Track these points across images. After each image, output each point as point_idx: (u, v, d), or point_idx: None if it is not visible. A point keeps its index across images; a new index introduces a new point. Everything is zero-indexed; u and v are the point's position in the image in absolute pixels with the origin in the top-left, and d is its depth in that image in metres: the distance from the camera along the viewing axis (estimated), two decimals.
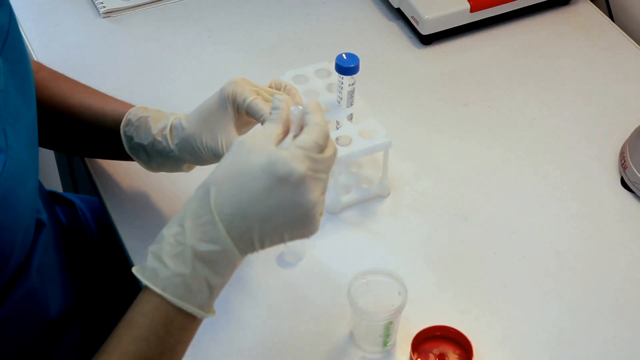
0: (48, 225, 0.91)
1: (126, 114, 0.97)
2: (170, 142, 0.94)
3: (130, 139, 0.97)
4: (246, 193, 0.76)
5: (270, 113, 0.81)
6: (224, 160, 0.79)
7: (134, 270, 0.79)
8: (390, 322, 0.90)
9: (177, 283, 0.76)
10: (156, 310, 0.77)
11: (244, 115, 0.89)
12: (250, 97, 0.87)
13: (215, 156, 0.91)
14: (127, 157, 1.00)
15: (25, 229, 0.81)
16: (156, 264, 0.77)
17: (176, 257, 0.77)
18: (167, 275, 0.76)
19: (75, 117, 1.00)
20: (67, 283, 0.98)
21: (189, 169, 0.98)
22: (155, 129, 0.94)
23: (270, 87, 0.91)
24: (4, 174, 0.75)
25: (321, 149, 0.78)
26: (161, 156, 0.96)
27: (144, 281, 0.78)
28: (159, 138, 0.94)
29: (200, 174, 1.09)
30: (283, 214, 0.77)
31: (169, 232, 0.78)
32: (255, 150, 0.77)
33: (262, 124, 0.87)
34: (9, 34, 0.84)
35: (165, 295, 0.76)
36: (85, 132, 1.01)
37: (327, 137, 0.79)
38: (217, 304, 0.97)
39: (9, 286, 0.84)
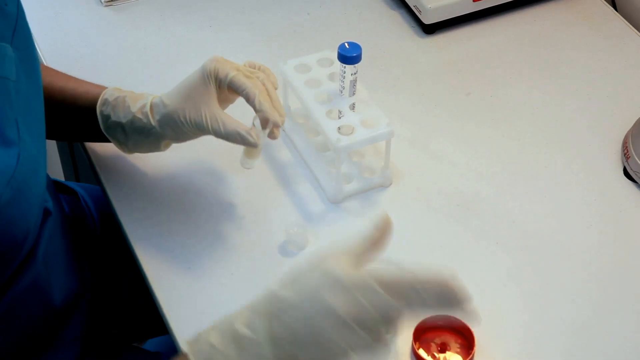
0: (54, 213, 0.91)
1: (102, 94, 1.00)
2: (151, 118, 0.96)
3: (107, 118, 0.99)
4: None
5: None
6: None
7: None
8: None
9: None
10: None
11: (225, 91, 0.95)
12: (232, 73, 0.94)
13: (198, 129, 0.95)
14: (101, 138, 1.02)
15: (35, 219, 0.82)
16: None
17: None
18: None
19: (47, 100, 1.01)
20: (71, 271, 0.98)
21: (165, 147, 1.00)
22: (134, 107, 0.97)
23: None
24: (18, 167, 0.76)
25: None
26: (140, 134, 0.98)
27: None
28: (139, 115, 0.97)
29: (201, 167, 1.09)
30: None
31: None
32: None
33: (244, 97, 0.94)
34: (17, 23, 0.84)
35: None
36: (57, 115, 1.02)
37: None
38: (220, 294, 0.97)
39: (15, 274, 0.84)
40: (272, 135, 0.97)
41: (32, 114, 0.83)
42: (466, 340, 0.92)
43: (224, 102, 0.97)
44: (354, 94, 1.05)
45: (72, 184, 1.20)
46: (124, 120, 0.98)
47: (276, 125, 0.95)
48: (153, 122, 0.96)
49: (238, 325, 0.73)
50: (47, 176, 1.00)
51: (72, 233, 1.04)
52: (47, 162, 0.88)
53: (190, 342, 0.75)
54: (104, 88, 1.01)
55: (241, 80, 0.93)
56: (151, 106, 0.97)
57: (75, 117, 1.02)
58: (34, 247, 0.87)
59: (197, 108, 0.94)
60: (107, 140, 1.02)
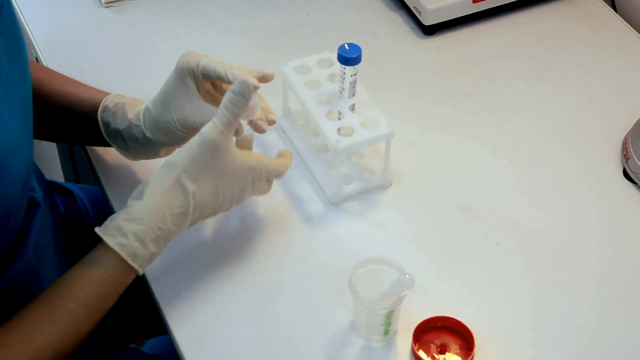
0: (44, 207, 0.92)
1: (103, 101, 1.00)
2: (143, 125, 0.97)
3: (107, 124, 1.00)
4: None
5: None
6: None
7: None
8: (392, 311, 0.90)
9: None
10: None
11: (203, 83, 0.94)
12: (203, 60, 0.93)
13: (186, 128, 0.95)
14: (105, 143, 1.02)
15: (17, 201, 0.82)
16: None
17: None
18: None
19: (52, 104, 1.02)
20: (64, 267, 0.98)
21: (165, 153, 1.00)
22: (131, 114, 0.98)
23: None
24: None
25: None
26: (136, 141, 0.99)
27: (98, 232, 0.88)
28: (135, 122, 0.97)
29: None
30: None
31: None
32: None
33: (217, 78, 0.92)
34: (2, 8, 0.85)
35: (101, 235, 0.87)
36: (62, 119, 1.03)
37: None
38: (220, 294, 0.97)
39: (4, 262, 0.85)
40: (259, 128, 0.96)
41: (14, 96, 0.84)
42: (466, 342, 0.92)
43: (207, 95, 0.96)
44: (353, 95, 1.05)
45: (69, 185, 1.20)
46: (121, 127, 0.99)
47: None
48: (144, 129, 0.97)
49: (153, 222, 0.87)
50: (39, 172, 1.00)
51: (67, 231, 1.04)
52: (33, 148, 0.89)
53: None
54: (106, 94, 1.02)
55: (212, 64, 0.92)
56: (144, 113, 0.97)
57: (79, 123, 1.03)
58: (23, 236, 0.88)
59: (181, 106, 0.94)
60: (111, 145, 1.03)
